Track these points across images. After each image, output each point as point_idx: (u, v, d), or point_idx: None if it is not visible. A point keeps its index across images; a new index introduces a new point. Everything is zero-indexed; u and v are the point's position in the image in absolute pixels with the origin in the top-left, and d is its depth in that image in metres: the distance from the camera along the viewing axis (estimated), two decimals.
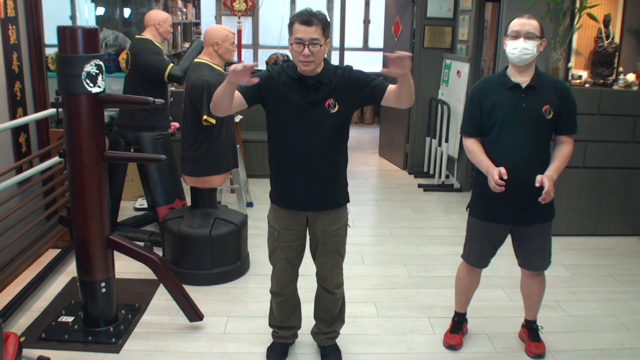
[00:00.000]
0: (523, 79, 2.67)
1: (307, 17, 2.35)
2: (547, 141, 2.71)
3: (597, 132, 4.46)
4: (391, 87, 2.47)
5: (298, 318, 2.92)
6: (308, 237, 2.73)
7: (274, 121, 2.54)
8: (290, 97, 2.47)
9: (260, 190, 5.31)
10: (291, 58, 2.47)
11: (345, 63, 6.18)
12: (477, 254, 2.92)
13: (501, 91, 2.69)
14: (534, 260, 2.86)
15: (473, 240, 2.92)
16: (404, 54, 2.21)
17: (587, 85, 4.55)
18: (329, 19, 2.44)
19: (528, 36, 2.59)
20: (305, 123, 2.46)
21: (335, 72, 2.51)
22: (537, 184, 2.57)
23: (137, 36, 4.26)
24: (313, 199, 2.57)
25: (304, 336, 3.05)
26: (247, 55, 8.99)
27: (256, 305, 3.37)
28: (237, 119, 5.10)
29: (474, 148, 2.74)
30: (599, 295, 3.69)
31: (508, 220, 2.78)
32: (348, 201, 2.68)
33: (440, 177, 6.06)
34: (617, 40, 4.68)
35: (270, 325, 2.90)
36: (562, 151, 2.71)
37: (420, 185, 6.03)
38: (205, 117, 3.44)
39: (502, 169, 2.58)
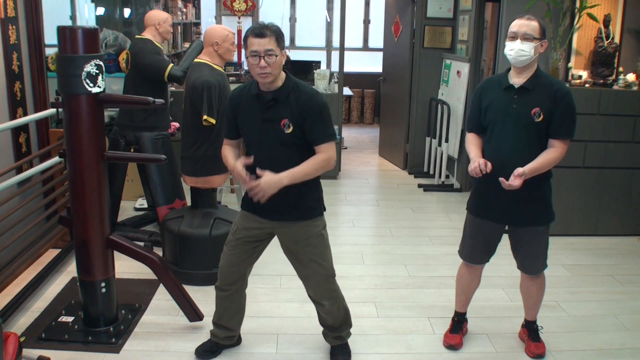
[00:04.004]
0: (519, 80, 2.67)
1: (259, 30, 2.39)
2: (538, 144, 2.66)
3: (597, 132, 4.46)
4: (318, 153, 2.51)
5: (236, 322, 2.89)
6: (283, 254, 2.74)
7: (242, 134, 2.62)
8: (249, 113, 2.51)
9: None
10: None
11: (345, 63, 6.21)
12: (469, 249, 2.94)
13: (497, 91, 2.71)
14: (527, 262, 2.87)
15: (466, 234, 2.95)
16: (252, 185, 2.40)
17: (587, 85, 4.55)
18: (282, 31, 2.46)
19: (525, 37, 2.59)
20: (264, 138, 2.48)
21: (298, 88, 2.50)
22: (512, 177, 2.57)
23: (137, 36, 4.26)
24: (278, 210, 2.56)
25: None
26: None
27: (256, 305, 3.37)
28: None
29: (470, 140, 2.81)
30: (599, 295, 3.69)
31: (499, 219, 2.80)
32: (320, 214, 2.65)
33: (440, 177, 6.06)
34: (617, 40, 4.68)
35: (212, 322, 2.92)
36: (546, 155, 2.64)
37: (420, 185, 6.03)
38: (205, 117, 3.44)
39: (489, 164, 2.61)
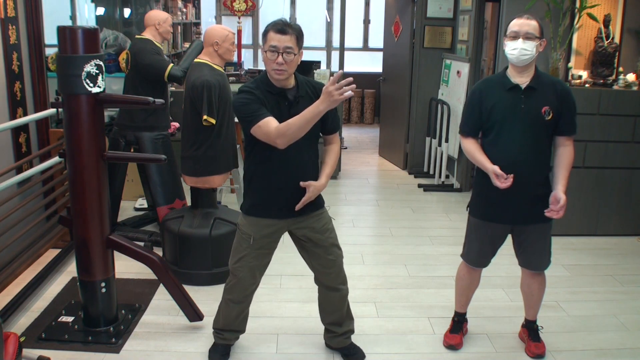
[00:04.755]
0: (522, 80, 2.67)
1: (282, 26, 2.39)
2: (546, 142, 2.70)
3: (597, 132, 4.46)
4: (330, 144, 2.67)
5: (245, 323, 2.91)
6: (296, 246, 2.76)
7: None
8: (272, 111, 2.45)
9: None
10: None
11: (345, 63, 6.21)
12: (477, 253, 2.92)
13: (501, 92, 2.69)
14: (533, 259, 2.87)
15: (472, 239, 2.92)
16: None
17: (587, 85, 4.55)
18: (303, 32, 2.46)
19: (527, 37, 2.59)
20: None
21: (310, 82, 2.57)
22: (555, 207, 2.64)
23: (137, 36, 4.26)
24: (294, 207, 2.57)
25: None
26: (247, 56, 8.99)
27: (256, 305, 3.35)
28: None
29: (471, 148, 2.76)
30: (599, 295, 3.69)
31: (507, 220, 2.78)
32: (324, 202, 2.74)
33: (440, 177, 6.06)
34: (617, 40, 4.68)
35: (214, 327, 2.89)
36: (566, 158, 2.70)
37: (420, 185, 6.03)
38: (205, 117, 3.44)
39: (497, 169, 2.60)
